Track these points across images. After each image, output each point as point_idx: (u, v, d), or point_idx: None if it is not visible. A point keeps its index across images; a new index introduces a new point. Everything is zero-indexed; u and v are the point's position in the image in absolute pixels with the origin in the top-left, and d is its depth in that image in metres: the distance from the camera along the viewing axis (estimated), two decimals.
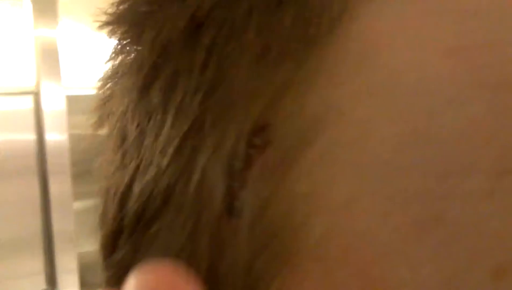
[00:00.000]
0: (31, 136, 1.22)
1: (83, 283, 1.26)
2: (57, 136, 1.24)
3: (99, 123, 0.18)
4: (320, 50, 0.13)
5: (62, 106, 1.25)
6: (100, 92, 0.18)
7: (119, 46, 0.17)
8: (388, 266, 0.12)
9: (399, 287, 0.12)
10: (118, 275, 0.16)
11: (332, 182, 0.13)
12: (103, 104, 0.18)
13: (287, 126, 0.13)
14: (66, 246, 1.25)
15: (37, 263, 1.25)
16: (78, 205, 1.31)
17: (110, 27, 0.17)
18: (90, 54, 1.32)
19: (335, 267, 0.12)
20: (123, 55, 0.17)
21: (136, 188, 0.16)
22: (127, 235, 0.16)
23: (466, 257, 0.11)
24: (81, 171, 1.33)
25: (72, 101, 1.28)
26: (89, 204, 1.38)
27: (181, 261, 0.14)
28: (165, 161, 0.15)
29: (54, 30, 1.25)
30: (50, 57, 1.24)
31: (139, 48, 0.16)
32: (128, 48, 0.16)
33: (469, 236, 0.11)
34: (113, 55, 0.17)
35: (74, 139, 1.27)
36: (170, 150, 0.15)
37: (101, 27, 0.17)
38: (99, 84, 0.18)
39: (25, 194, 1.22)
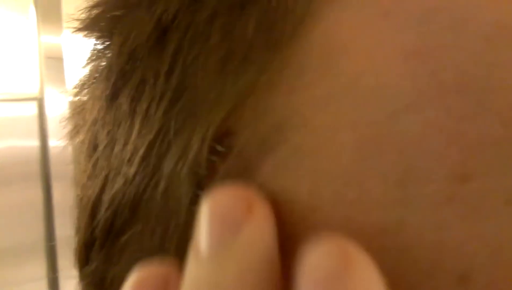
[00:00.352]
0: (35, 142, 1.22)
1: None
2: (60, 142, 1.25)
3: (75, 132, 0.18)
4: (284, 55, 0.13)
5: (66, 112, 1.26)
6: (76, 99, 0.18)
7: (94, 52, 0.17)
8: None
9: None
10: (94, 283, 0.16)
11: (294, 189, 0.12)
12: (78, 112, 0.18)
13: (250, 133, 0.13)
14: (69, 252, 1.25)
15: (40, 269, 1.24)
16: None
17: (84, 32, 0.17)
18: None
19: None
20: (96, 61, 0.17)
21: (106, 198, 0.16)
22: (99, 246, 0.16)
23: (428, 264, 0.11)
24: None
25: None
26: None
27: None
28: (132, 170, 0.15)
29: (59, 37, 1.25)
30: (54, 64, 1.24)
31: (108, 54, 0.16)
32: (100, 54, 0.16)
33: (429, 242, 0.11)
34: (88, 61, 0.17)
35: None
36: (137, 159, 0.14)
37: (75, 32, 0.17)
38: (74, 91, 0.18)
39: (29, 200, 1.22)
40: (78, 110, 0.18)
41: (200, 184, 0.14)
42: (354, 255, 0.11)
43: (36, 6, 1.22)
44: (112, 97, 0.15)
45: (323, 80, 0.13)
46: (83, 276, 0.17)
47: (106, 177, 0.16)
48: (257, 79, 0.13)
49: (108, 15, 0.16)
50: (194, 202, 0.14)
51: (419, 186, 0.11)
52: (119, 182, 0.15)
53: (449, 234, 0.11)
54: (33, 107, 1.22)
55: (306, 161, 0.12)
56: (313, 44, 0.13)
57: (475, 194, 0.11)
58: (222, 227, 0.11)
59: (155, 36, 0.14)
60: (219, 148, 0.13)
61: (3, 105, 1.19)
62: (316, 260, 0.11)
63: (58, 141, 1.15)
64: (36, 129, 1.23)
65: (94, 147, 0.16)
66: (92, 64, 0.17)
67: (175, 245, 0.14)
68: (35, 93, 1.23)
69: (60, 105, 1.25)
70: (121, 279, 0.14)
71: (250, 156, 0.13)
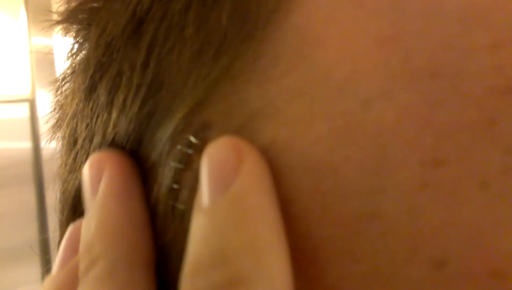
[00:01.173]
0: (27, 144, 1.22)
1: None
2: (53, 143, 1.25)
3: (57, 126, 0.18)
4: (257, 45, 0.13)
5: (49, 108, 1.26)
6: (57, 93, 0.18)
7: (73, 45, 0.16)
8: (329, 261, 0.12)
9: (340, 280, 0.12)
10: None
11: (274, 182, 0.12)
12: (60, 106, 0.18)
13: (224, 124, 0.13)
14: None
15: (35, 271, 1.24)
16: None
17: (63, 25, 0.17)
18: None
19: None
20: (75, 54, 0.16)
21: None
22: None
23: (404, 250, 0.11)
24: None
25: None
26: None
27: None
28: None
29: (50, 39, 1.25)
30: (45, 65, 1.24)
31: (86, 46, 0.16)
32: (79, 46, 0.16)
33: (405, 229, 0.11)
34: (68, 54, 0.17)
35: None
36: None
37: (52, 26, 0.17)
38: (55, 85, 0.18)
39: (22, 203, 1.22)
40: (59, 104, 0.18)
41: (176, 178, 0.14)
42: (245, 148, 0.12)
43: (26, 8, 1.21)
44: (90, 90, 0.15)
45: (296, 70, 0.12)
46: None
47: None
48: (229, 68, 0.13)
49: (86, 7, 0.16)
50: (169, 196, 0.14)
51: (394, 173, 0.11)
52: None
53: (425, 220, 0.11)
54: (25, 108, 1.22)
55: (280, 154, 0.12)
56: (286, 34, 0.13)
57: (449, 180, 0.11)
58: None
59: (131, 28, 0.14)
60: (193, 140, 0.13)
61: None
62: (214, 152, 0.12)
63: (50, 142, 1.14)
64: (28, 130, 1.22)
65: (74, 141, 0.16)
66: (72, 57, 0.17)
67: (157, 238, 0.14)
68: (27, 94, 1.23)
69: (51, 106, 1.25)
70: None
71: None
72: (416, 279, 0.11)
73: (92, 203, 0.14)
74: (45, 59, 1.24)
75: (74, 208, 0.17)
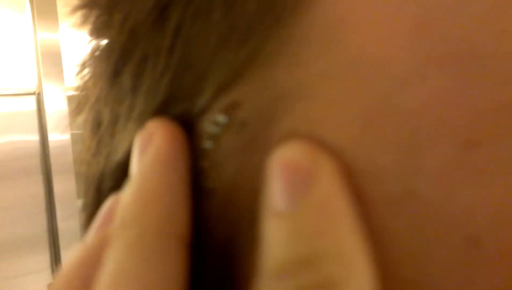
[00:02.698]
0: (35, 137, 1.24)
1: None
2: (59, 136, 1.26)
3: (78, 110, 0.18)
4: (285, 28, 0.13)
5: (64, 106, 1.26)
6: (78, 78, 0.18)
7: (93, 31, 0.16)
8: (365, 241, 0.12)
9: (376, 263, 0.12)
10: None
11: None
12: (80, 91, 0.18)
13: (253, 104, 0.13)
14: (71, 242, 1.26)
15: (43, 260, 1.25)
16: (82, 203, 1.32)
17: (82, 11, 0.16)
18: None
19: None
20: (97, 40, 0.16)
21: (109, 171, 0.16)
22: None
23: (439, 230, 0.11)
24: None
25: (74, 101, 1.28)
26: None
27: None
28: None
29: (56, 33, 1.26)
30: (52, 59, 1.25)
31: (108, 32, 0.16)
32: (101, 32, 0.16)
33: (440, 209, 0.11)
34: (89, 40, 0.17)
35: (77, 139, 1.29)
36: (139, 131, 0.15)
37: (73, 11, 0.17)
38: (77, 70, 0.18)
39: (30, 194, 1.23)
40: (80, 88, 0.18)
41: (203, 157, 0.14)
42: (320, 152, 0.12)
43: (31, 3, 1.22)
44: (114, 75, 0.15)
45: (326, 53, 0.12)
46: None
47: (109, 152, 0.16)
48: (257, 52, 0.13)
49: None
50: (197, 176, 0.14)
51: (427, 154, 0.11)
52: (121, 153, 0.15)
53: (459, 200, 0.11)
54: (32, 102, 1.23)
55: (312, 131, 0.12)
56: (315, 17, 0.13)
57: (482, 160, 0.11)
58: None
59: (156, 13, 0.14)
60: (223, 120, 0.13)
61: (2, 100, 1.19)
62: (287, 155, 0.12)
63: (57, 135, 1.15)
64: (35, 123, 1.24)
65: (98, 125, 0.17)
66: (92, 42, 0.17)
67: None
68: (33, 88, 1.24)
69: (58, 99, 1.26)
70: None
71: (254, 127, 0.13)
72: (451, 258, 0.11)
73: (137, 167, 0.14)
74: (51, 53, 1.25)
75: (99, 190, 0.16)
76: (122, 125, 0.15)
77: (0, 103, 1.19)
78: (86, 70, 0.17)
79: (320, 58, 0.12)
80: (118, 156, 0.15)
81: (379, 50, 0.12)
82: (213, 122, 0.13)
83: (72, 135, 1.27)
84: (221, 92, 0.13)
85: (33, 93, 1.23)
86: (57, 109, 1.25)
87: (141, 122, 0.15)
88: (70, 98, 1.27)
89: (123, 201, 0.14)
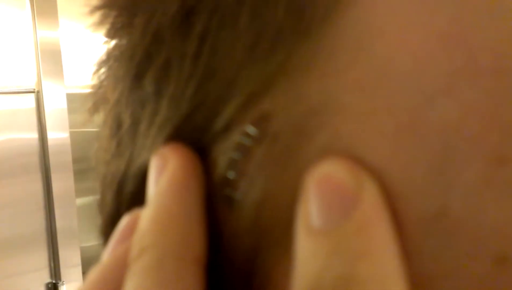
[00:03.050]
0: (34, 135, 1.24)
1: (86, 276, 1.28)
2: (58, 134, 1.26)
3: (94, 109, 0.18)
4: (314, 38, 0.13)
5: (63, 104, 1.27)
6: (95, 77, 0.18)
7: (112, 31, 0.16)
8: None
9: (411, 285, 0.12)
10: None
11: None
12: (97, 90, 0.18)
13: (285, 117, 0.13)
14: (69, 241, 1.27)
15: (42, 258, 1.26)
16: (80, 201, 1.32)
17: (101, 11, 0.16)
18: (89, 54, 1.33)
19: None
20: (115, 40, 0.16)
21: (130, 174, 0.16)
22: None
23: (468, 247, 0.11)
24: (83, 168, 1.34)
25: (72, 99, 1.29)
26: (91, 200, 1.39)
27: None
28: (157, 148, 0.15)
29: (55, 31, 1.26)
30: (51, 57, 1.25)
31: (131, 34, 0.16)
32: (120, 33, 0.16)
33: (471, 226, 0.11)
34: (106, 40, 0.17)
35: (76, 137, 1.29)
36: (162, 137, 0.15)
37: (92, 11, 0.16)
38: (94, 69, 0.18)
39: (29, 192, 1.24)
40: (97, 87, 0.18)
41: (232, 168, 0.14)
42: (363, 172, 0.12)
43: (31, 1, 1.22)
44: (136, 78, 0.15)
45: (357, 64, 0.12)
46: None
47: (131, 155, 0.16)
48: (286, 62, 0.13)
49: None
50: (225, 185, 0.14)
51: (459, 170, 0.11)
52: (144, 157, 0.15)
53: (489, 217, 0.11)
54: (31, 100, 1.24)
55: (345, 148, 0.12)
56: (345, 27, 0.12)
57: None
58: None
59: (180, 17, 0.14)
60: (252, 131, 0.13)
61: (2, 98, 1.20)
62: (330, 172, 0.12)
63: (56, 133, 1.15)
64: (34, 121, 1.24)
65: (118, 127, 0.16)
66: (111, 42, 0.16)
67: (206, 227, 0.14)
68: (33, 86, 1.24)
69: (57, 97, 1.26)
70: None
71: (286, 140, 0.13)
72: (478, 274, 0.11)
73: (153, 193, 0.14)
74: (51, 51, 1.26)
75: (120, 192, 0.16)
76: (144, 128, 0.15)
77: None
78: (103, 70, 0.17)
79: (350, 69, 0.12)
80: (141, 160, 0.15)
81: (408, 62, 0.12)
82: (242, 132, 0.13)
83: (71, 133, 1.27)
84: (250, 102, 0.13)
85: (33, 91, 1.24)
86: (57, 107, 1.26)
87: (165, 129, 0.15)
88: (69, 96, 1.28)
89: (141, 225, 0.14)
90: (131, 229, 0.15)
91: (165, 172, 0.14)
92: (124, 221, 0.15)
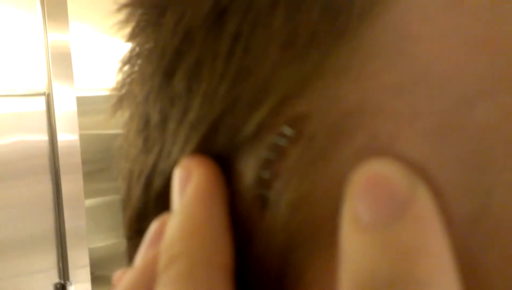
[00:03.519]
0: (44, 137, 1.25)
1: (94, 277, 1.28)
2: (68, 136, 1.27)
3: (118, 105, 0.18)
4: (350, 40, 0.13)
5: (73, 107, 1.27)
6: (119, 74, 0.18)
7: (137, 29, 0.16)
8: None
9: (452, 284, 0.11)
10: None
11: None
12: (122, 87, 0.18)
13: (321, 118, 0.13)
14: (78, 242, 1.27)
15: (51, 259, 1.26)
16: (89, 202, 1.33)
17: (128, 9, 0.16)
18: (99, 56, 1.34)
19: None
20: (142, 38, 0.16)
21: (160, 170, 0.16)
22: (153, 215, 0.16)
23: (510, 247, 0.11)
24: (92, 170, 1.35)
25: (82, 102, 1.30)
26: (100, 201, 1.40)
27: None
28: (190, 146, 0.15)
29: (66, 34, 1.27)
30: (62, 60, 1.26)
31: (160, 32, 0.15)
32: (147, 31, 0.16)
33: (509, 231, 0.11)
34: (132, 37, 0.17)
35: (85, 139, 1.30)
36: (196, 135, 0.15)
37: (119, 9, 0.17)
38: (119, 65, 0.18)
39: (39, 193, 1.24)
40: (122, 84, 0.18)
41: (267, 167, 0.14)
42: (417, 177, 0.12)
43: (42, 4, 1.23)
44: (166, 76, 0.15)
45: (395, 66, 0.12)
46: (134, 248, 0.17)
47: (160, 151, 0.16)
48: (322, 63, 0.13)
49: None
50: (258, 185, 0.14)
51: (499, 172, 0.11)
52: (174, 155, 0.15)
53: None
54: (42, 102, 1.24)
55: (383, 150, 0.12)
56: (382, 30, 0.12)
57: None
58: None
59: (213, 17, 0.14)
60: (288, 132, 0.13)
61: (12, 100, 1.21)
62: (384, 171, 0.12)
63: (66, 135, 1.16)
64: (44, 124, 1.25)
65: (146, 123, 0.16)
66: (138, 39, 0.16)
67: (238, 227, 0.14)
68: (43, 88, 1.25)
69: (67, 100, 1.27)
70: None
71: (323, 141, 0.13)
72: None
73: (178, 203, 0.15)
74: (61, 54, 1.27)
75: (148, 187, 0.16)
76: (174, 126, 0.15)
77: (10, 103, 1.20)
78: (127, 68, 0.17)
79: (388, 71, 0.12)
80: (172, 157, 0.16)
81: (446, 65, 0.12)
82: (278, 133, 0.13)
83: (81, 135, 1.28)
84: (284, 103, 0.13)
85: (43, 94, 1.24)
86: (67, 109, 1.26)
87: (197, 127, 0.15)
88: (79, 99, 1.28)
89: (168, 234, 0.14)
90: (161, 233, 0.15)
91: (190, 183, 0.14)
92: (154, 226, 0.15)
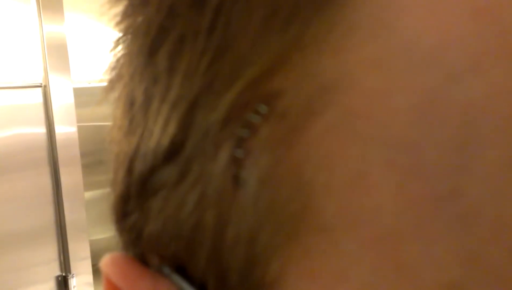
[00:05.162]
0: (42, 129, 1.25)
1: (96, 269, 1.29)
2: (66, 128, 1.27)
3: (110, 87, 0.18)
4: (331, 12, 0.12)
5: (71, 99, 1.27)
6: (111, 54, 0.17)
7: (129, 8, 0.16)
8: (401, 242, 0.11)
9: (412, 263, 0.11)
10: (132, 239, 0.16)
11: (342, 154, 0.12)
12: (113, 68, 0.17)
13: (294, 94, 0.12)
14: (78, 234, 1.28)
15: (52, 251, 1.27)
16: (88, 195, 1.33)
17: None
18: (95, 47, 1.34)
19: (343, 240, 0.12)
20: (132, 17, 0.16)
21: (142, 152, 0.15)
22: (135, 199, 0.16)
23: (485, 233, 0.11)
24: (90, 162, 1.35)
25: (80, 93, 1.29)
26: (99, 193, 1.40)
27: (185, 231, 0.14)
28: (170, 129, 0.14)
29: (61, 25, 1.27)
30: (58, 51, 1.26)
31: (146, 8, 0.15)
32: (137, 9, 0.16)
33: (488, 210, 0.11)
34: (123, 17, 0.16)
35: (83, 131, 1.30)
36: (176, 115, 0.14)
37: None
38: (111, 46, 0.17)
39: (38, 186, 1.25)
40: (113, 65, 0.17)
41: (240, 145, 0.13)
42: None
43: None
44: (150, 53, 0.15)
45: (376, 39, 0.12)
46: (122, 231, 0.17)
47: (143, 133, 0.15)
48: (301, 37, 0.12)
49: None
50: (232, 164, 0.13)
51: (480, 152, 0.11)
52: (155, 136, 0.15)
53: (506, 202, 0.11)
54: (39, 94, 1.24)
55: (356, 126, 0.12)
56: (365, 1, 0.12)
57: None
58: None
59: None
60: (261, 108, 0.13)
61: (9, 93, 1.20)
62: None
63: (64, 127, 1.16)
64: (42, 116, 1.25)
65: (131, 103, 0.16)
66: (127, 20, 0.16)
67: (212, 208, 0.14)
68: (40, 80, 1.24)
69: (64, 92, 1.27)
70: (157, 237, 0.15)
71: (295, 118, 0.12)
72: (495, 262, 0.11)
73: None
74: (57, 45, 1.26)
75: (130, 170, 0.16)
76: (156, 105, 0.15)
77: (7, 95, 1.20)
78: (119, 47, 0.17)
79: (368, 44, 0.12)
80: (153, 139, 0.15)
81: (433, 38, 0.11)
82: (253, 110, 0.13)
83: (79, 127, 1.28)
84: (262, 79, 0.13)
85: (40, 86, 1.24)
86: (64, 101, 1.26)
87: (177, 106, 0.14)
88: (76, 91, 1.28)
89: None
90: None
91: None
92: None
